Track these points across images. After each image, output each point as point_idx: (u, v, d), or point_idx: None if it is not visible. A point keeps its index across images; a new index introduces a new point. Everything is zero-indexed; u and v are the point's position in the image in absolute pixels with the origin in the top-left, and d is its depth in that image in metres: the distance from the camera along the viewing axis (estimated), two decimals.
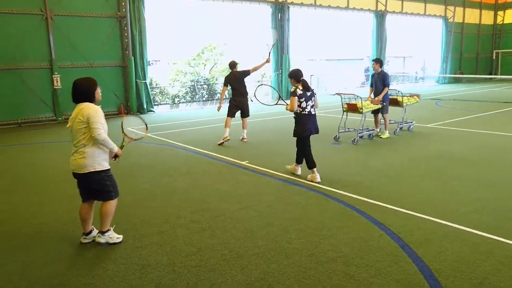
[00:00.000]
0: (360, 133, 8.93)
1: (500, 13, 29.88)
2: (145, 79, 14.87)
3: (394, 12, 23.21)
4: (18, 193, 5.93)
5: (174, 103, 17.92)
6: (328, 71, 22.86)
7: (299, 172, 6.44)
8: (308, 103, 6.08)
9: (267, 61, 8.99)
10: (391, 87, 9.25)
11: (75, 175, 3.95)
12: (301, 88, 6.04)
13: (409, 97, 9.90)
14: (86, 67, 13.47)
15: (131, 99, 14.56)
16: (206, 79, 19.50)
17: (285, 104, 6.44)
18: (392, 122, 9.79)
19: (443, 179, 6.15)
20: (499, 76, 27.35)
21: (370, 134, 9.23)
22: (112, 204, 4.04)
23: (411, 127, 10.11)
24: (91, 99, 3.88)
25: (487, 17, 29.62)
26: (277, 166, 6.79)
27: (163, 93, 18.45)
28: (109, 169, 4.00)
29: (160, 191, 5.86)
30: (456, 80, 27.36)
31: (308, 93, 6.08)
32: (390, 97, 9.54)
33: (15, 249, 4.07)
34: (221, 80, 17.93)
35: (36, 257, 3.88)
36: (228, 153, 8.04)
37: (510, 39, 29.62)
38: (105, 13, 13.80)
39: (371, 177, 6.30)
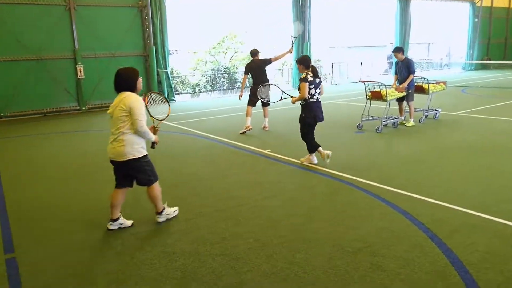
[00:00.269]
0: (384, 121, 8.76)
1: None
2: (166, 69, 14.93)
3: None
4: (47, 182, 6.06)
5: (195, 92, 17.97)
6: (350, 59, 22.45)
7: (315, 161, 6.37)
8: (316, 90, 6.08)
9: (290, 51, 8.94)
10: (416, 74, 9.01)
11: (113, 162, 4.04)
12: (311, 74, 6.01)
13: (435, 84, 9.63)
14: (108, 56, 13.59)
15: (153, 89, 14.63)
16: (227, 67, 19.46)
17: (289, 97, 6.42)
18: (417, 110, 9.56)
19: (472, 168, 5.98)
20: None
21: (394, 123, 9.04)
22: (156, 187, 4.18)
23: (437, 115, 9.85)
24: (133, 88, 3.98)
25: None
26: (300, 155, 6.72)
27: (184, 82, 18.52)
28: (147, 155, 4.09)
29: (183, 180, 5.89)
30: (484, 67, 26.49)
31: (317, 80, 6.09)
32: (415, 84, 9.31)
33: (49, 233, 4.17)
34: (242, 68, 17.83)
35: (65, 243, 3.96)
36: (250, 142, 8.01)
37: None
38: (127, 3, 13.86)
39: (396, 166, 6.17)
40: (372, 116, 9.06)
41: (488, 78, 20.37)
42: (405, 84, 8.75)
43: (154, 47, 14.37)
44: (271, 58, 8.98)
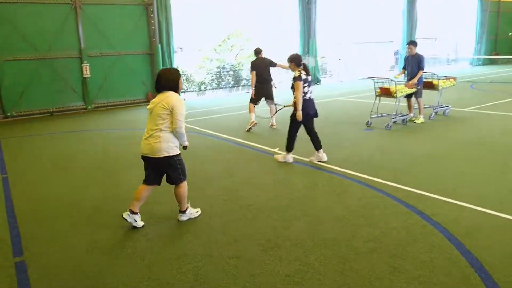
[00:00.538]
0: (393, 118, 8.64)
1: None
2: (172, 66, 14.87)
3: None
4: (56, 182, 6.02)
5: (201, 90, 17.89)
6: (355, 55, 22.25)
7: (290, 160, 6.35)
8: (309, 89, 6.04)
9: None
10: (425, 69, 8.88)
11: (147, 158, 4.08)
12: (304, 73, 5.98)
13: (445, 80, 9.49)
14: (114, 55, 13.55)
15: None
16: (232, 65, 19.34)
17: (288, 106, 6.43)
18: (426, 106, 9.42)
19: (485, 166, 5.86)
20: None
21: (404, 119, 8.91)
22: (184, 186, 4.23)
23: (447, 112, 9.71)
24: (176, 88, 4.07)
25: None
26: (308, 153, 6.63)
27: (190, 80, 18.42)
28: (179, 154, 4.14)
29: (191, 179, 5.76)
30: (492, 62, 26.19)
31: (310, 78, 6.06)
32: (425, 80, 9.19)
33: (58, 235, 4.12)
34: (247, 66, 17.71)
35: (74, 245, 3.90)
36: (258, 140, 7.93)
37: None
38: (132, 1, 13.79)
39: (408, 164, 6.06)
40: (381, 113, 8.94)
41: (496, 74, 20.12)
42: (415, 80, 8.63)
43: (160, 45, 14.31)
44: (276, 63, 8.93)
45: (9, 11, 11.69)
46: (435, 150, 6.81)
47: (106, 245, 3.91)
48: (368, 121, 8.85)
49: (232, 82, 18.75)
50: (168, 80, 4.04)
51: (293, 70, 6.12)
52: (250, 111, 8.94)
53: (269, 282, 3.18)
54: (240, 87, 18.25)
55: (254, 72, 8.90)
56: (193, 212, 4.43)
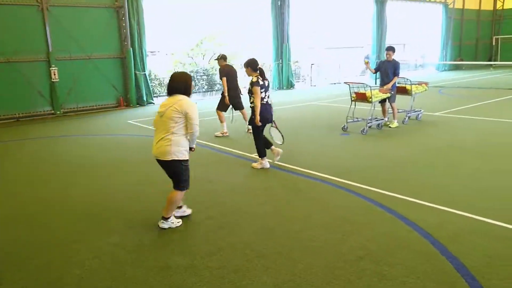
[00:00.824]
0: (369, 123, 8.74)
1: None
2: (144, 71, 14.56)
3: None
4: (48, 184, 5.72)
5: None
6: (328, 60, 22.53)
7: (267, 165, 6.30)
8: (266, 93, 6.06)
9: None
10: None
11: (158, 161, 4.12)
12: (261, 78, 6.00)
13: (417, 85, 9.71)
14: (84, 58, 13.14)
15: (131, 91, 14.27)
16: (205, 69, 19.19)
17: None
18: (400, 111, 9.61)
19: (460, 170, 5.99)
20: (498, 63, 27.13)
21: (379, 124, 9.04)
22: (179, 195, 4.23)
23: (419, 116, 9.93)
24: (188, 92, 4.08)
25: (487, 3, 29.26)
26: (290, 159, 6.60)
27: (162, 84, 18.13)
28: (187, 160, 4.16)
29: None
30: (456, 67, 27.14)
31: (266, 83, 6.08)
32: (398, 85, 9.37)
33: (30, 250, 3.88)
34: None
35: (48, 261, 3.68)
36: (234, 146, 7.84)
37: (510, 25, 29.26)
38: (102, 3, 13.42)
39: (387, 169, 6.12)
40: (357, 118, 9.04)
41: (462, 79, 20.83)
42: (390, 85, 8.78)
43: (131, 48, 13.99)
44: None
45: None
46: (412, 154, 6.92)
47: (81, 260, 3.68)
48: (344, 126, 8.91)
49: (206, 87, 18.59)
50: (181, 84, 4.05)
51: (249, 75, 6.10)
52: (221, 120, 8.83)
53: None
54: (214, 92, 18.10)
55: (225, 79, 8.75)
56: (174, 221, 4.31)
